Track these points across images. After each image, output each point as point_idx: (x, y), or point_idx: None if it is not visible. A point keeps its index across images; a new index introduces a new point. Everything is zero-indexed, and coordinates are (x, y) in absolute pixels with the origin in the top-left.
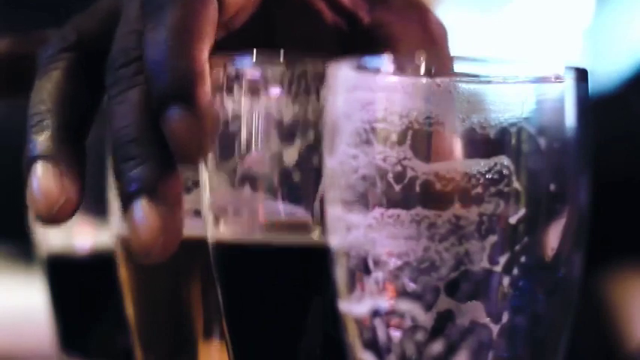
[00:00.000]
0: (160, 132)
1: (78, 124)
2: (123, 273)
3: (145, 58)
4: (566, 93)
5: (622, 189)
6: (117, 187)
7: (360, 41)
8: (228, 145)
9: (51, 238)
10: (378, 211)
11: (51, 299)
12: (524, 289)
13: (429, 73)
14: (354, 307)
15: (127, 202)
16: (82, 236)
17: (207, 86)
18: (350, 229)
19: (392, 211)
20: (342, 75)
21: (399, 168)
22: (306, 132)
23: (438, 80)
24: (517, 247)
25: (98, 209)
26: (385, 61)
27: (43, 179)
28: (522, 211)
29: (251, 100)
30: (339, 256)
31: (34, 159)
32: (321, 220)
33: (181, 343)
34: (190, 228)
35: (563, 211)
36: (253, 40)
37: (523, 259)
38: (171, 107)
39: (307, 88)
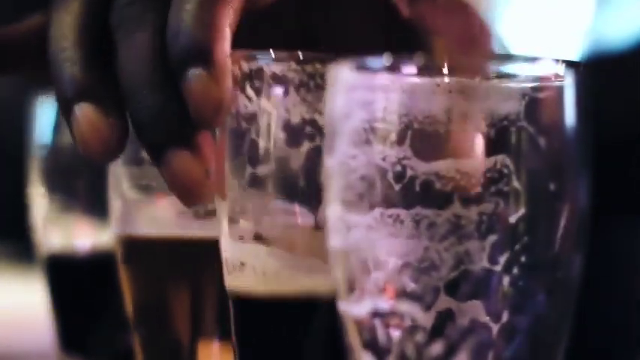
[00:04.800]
0: (173, 81)
1: (105, 54)
2: (123, 273)
3: (169, 20)
4: (566, 92)
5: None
6: (142, 140)
7: (397, 35)
8: (240, 144)
9: (51, 238)
10: (378, 211)
11: (51, 299)
12: (524, 289)
13: (429, 73)
14: (354, 307)
15: (156, 151)
16: (82, 236)
17: (226, 50)
18: (350, 229)
19: (392, 211)
20: (342, 75)
21: (398, 168)
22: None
23: (438, 80)
24: (517, 247)
25: (98, 209)
26: (385, 62)
27: (89, 121)
28: (522, 211)
29: (268, 98)
30: (339, 256)
31: (72, 100)
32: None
33: (181, 343)
34: (191, 229)
35: (563, 210)
36: (287, 32)
37: (523, 258)
38: (192, 68)
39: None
